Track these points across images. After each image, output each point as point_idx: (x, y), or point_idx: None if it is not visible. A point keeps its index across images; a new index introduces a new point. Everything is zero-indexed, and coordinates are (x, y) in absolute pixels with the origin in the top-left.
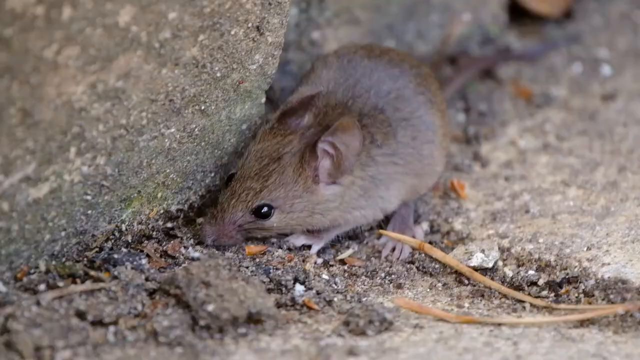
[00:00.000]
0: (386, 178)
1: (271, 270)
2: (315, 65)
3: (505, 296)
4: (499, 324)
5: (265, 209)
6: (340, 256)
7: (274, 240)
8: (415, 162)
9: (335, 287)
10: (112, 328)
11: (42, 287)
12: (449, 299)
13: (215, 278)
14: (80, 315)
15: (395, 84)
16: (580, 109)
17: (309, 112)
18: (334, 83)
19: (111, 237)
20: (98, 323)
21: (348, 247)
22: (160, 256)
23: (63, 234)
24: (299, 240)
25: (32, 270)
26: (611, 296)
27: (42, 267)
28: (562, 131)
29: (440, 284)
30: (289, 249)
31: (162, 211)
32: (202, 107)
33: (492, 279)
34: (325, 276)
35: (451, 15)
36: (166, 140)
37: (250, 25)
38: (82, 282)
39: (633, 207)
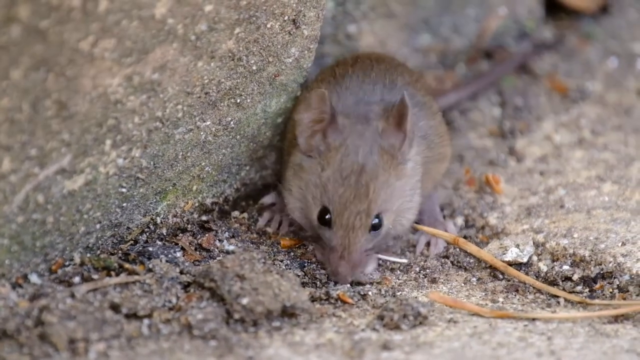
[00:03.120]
0: (422, 159)
1: (306, 264)
2: (305, 94)
3: (539, 291)
4: (533, 319)
5: (376, 220)
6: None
7: (308, 233)
8: (442, 148)
9: (370, 281)
10: (146, 321)
11: (76, 279)
12: (483, 294)
13: (250, 271)
14: (115, 307)
15: (397, 79)
16: (615, 104)
17: (337, 117)
18: (336, 95)
19: (146, 229)
20: (132, 316)
21: None
22: (195, 249)
23: (98, 226)
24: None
25: (67, 263)
26: None
27: (77, 260)
28: (598, 126)
29: (474, 279)
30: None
31: (197, 204)
32: (238, 100)
33: (527, 273)
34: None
35: (487, 9)
36: (202, 133)
37: (286, 18)
38: (117, 274)
39: None
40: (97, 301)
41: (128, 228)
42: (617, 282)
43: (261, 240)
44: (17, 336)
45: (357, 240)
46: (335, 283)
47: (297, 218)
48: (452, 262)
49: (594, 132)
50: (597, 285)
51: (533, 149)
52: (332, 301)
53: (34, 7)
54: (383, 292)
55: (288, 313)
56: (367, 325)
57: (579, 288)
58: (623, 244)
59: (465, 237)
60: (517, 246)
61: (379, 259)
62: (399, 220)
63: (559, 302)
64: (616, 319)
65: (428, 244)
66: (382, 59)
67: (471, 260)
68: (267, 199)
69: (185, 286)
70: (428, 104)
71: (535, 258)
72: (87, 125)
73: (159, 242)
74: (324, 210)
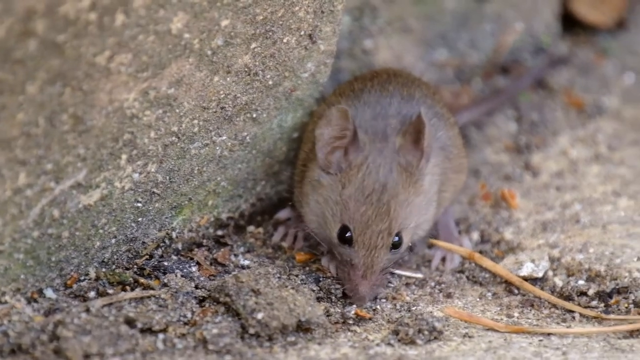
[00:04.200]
0: (440, 170)
1: (321, 279)
2: (322, 108)
3: (554, 306)
4: (549, 334)
5: (397, 238)
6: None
7: (322, 249)
8: (460, 159)
9: (385, 295)
10: (161, 336)
11: (91, 294)
12: (498, 309)
13: (265, 286)
14: (130, 322)
15: (415, 92)
16: (632, 119)
17: (358, 134)
18: (355, 110)
19: (161, 244)
20: (147, 330)
21: None
22: (210, 264)
23: (113, 241)
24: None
25: (82, 277)
26: None
27: (92, 274)
28: (614, 141)
29: (489, 294)
30: None
31: (212, 219)
32: (254, 115)
33: (542, 288)
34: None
35: (504, 24)
36: (217, 147)
37: (302, 33)
38: (132, 289)
39: None
40: (112, 316)
41: (143, 243)
42: (633, 297)
43: (276, 255)
44: (32, 351)
45: (379, 260)
46: (349, 297)
47: (314, 230)
48: (467, 277)
49: (610, 147)
50: (613, 300)
51: (549, 164)
52: (348, 316)
53: (50, 21)
54: (398, 306)
55: (303, 328)
56: (382, 340)
57: (594, 303)
58: (639, 258)
59: (480, 252)
60: (533, 261)
61: (395, 274)
62: (416, 231)
63: (574, 317)
64: (631, 334)
65: (444, 259)
66: (400, 74)
67: (486, 275)
68: (283, 214)
69: (201, 301)
70: (446, 115)
71: (550, 273)
72: (103, 140)
73: (174, 257)
74: (345, 229)
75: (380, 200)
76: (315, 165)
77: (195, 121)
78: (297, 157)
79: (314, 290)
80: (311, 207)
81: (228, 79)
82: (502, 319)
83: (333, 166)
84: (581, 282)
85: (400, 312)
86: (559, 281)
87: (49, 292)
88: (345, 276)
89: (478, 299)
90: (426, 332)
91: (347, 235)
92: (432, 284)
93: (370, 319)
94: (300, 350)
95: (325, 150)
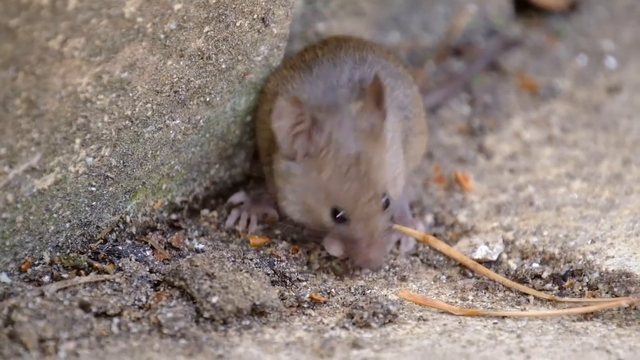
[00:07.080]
0: (400, 129)
1: (275, 262)
2: (274, 82)
3: (509, 289)
4: (503, 317)
5: (384, 198)
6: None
7: (278, 232)
8: (420, 119)
9: (340, 279)
10: (116, 320)
11: (46, 278)
12: (453, 292)
13: (220, 270)
14: (85, 306)
15: (367, 54)
16: (585, 101)
17: (316, 116)
18: (308, 85)
19: (115, 228)
20: (102, 315)
21: None
22: (165, 248)
23: (67, 225)
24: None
25: (37, 262)
26: (615, 289)
27: (47, 259)
28: (567, 123)
29: (444, 277)
30: (294, 241)
31: (166, 203)
32: (207, 99)
33: (496, 271)
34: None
35: (457, 6)
36: (171, 131)
37: (255, 16)
38: (87, 273)
39: (637, 200)
40: (67, 300)
41: (98, 227)
42: (587, 280)
43: (230, 238)
44: None
45: (379, 225)
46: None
47: (298, 219)
48: (421, 260)
49: (564, 129)
50: (567, 283)
51: (502, 147)
52: (303, 299)
53: (3, 5)
54: (353, 290)
55: (258, 311)
56: (337, 324)
57: (548, 286)
58: (592, 241)
59: (434, 235)
60: (487, 244)
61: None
62: (394, 184)
63: (528, 300)
64: (586, 316)
65: (398, 242)
66: (350, 38)
67: (441, 258)
68: (236, 197)
69: (155, 285)
70: (402, 73)
71: (504, 256)
72: (56, 124)
73: (128, 241)
74: (335, 210)
75: (359, 172)
76: (279, 156)
77: (149, 105)
78: (258, 144)
79: (268, 274)
80: (289, 198)
81: (181, 62)
82: (456, 302)
83: (299, 153)
84: (535, 264)
85: (354, 295)
86: (513, 264)
87: (4, 277)
88: (352, 251)
89: (432, 282)
90: (381, 316)
91: (339, 215)
92: (387, 267)
93: (325, 302)
94: (255, 334)
95: (288, 141)
